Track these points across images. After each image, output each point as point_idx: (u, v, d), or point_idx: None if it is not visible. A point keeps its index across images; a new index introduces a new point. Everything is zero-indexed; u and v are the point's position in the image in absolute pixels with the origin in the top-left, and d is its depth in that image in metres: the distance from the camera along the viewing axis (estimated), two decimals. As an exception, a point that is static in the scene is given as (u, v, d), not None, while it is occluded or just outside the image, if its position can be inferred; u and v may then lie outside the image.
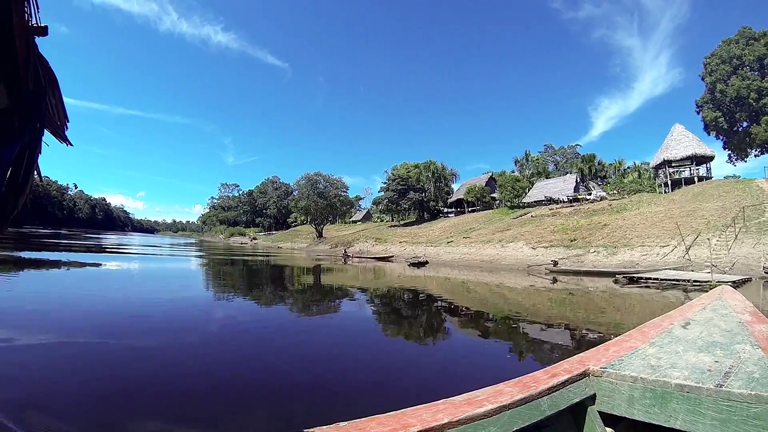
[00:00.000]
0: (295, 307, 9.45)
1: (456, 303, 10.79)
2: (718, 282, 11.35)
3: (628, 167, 47.99)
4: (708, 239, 18.29)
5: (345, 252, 36.65)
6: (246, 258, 29.91)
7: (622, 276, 15.03)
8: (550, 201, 39.32)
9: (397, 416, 1.26)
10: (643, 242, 20.47)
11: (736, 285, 11.53)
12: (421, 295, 12.15)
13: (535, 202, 41.11)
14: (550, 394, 1.46)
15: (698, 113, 32.20)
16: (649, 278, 13.98)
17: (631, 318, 8.25)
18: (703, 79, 31.00)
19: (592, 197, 35.89)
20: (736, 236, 17.90)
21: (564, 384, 1.53)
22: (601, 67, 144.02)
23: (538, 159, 58.53)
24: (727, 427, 1.34)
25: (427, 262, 26.19)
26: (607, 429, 1.53)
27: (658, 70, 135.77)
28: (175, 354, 4.74)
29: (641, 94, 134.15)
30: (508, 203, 41.82)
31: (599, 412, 1.56)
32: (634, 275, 14.65)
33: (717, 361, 1.67)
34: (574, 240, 23.59)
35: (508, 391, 1.43)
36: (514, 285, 14.97)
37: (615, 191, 36.71)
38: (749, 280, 13.46)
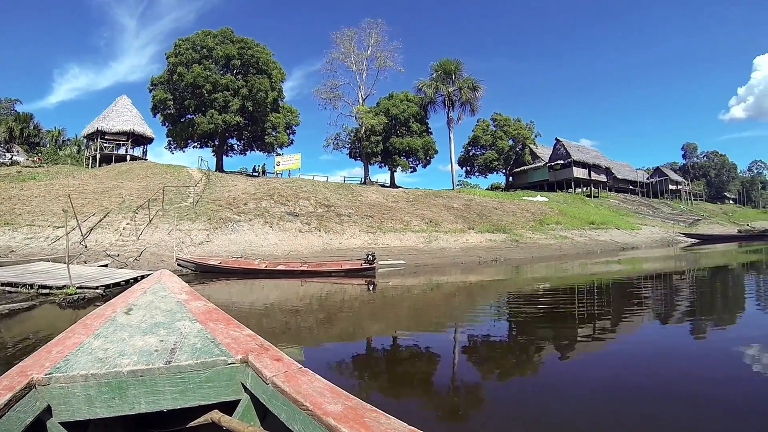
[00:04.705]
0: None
1: None
2: (79, 288, 7.94)
3: (68, 139, 41.98)
4: (119, 221, 15.41)
5: None
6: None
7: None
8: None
9: None
10: (34, 220, 15.16)
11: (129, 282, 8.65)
12: None
13: None
14: None
15: (150, 91, 30.33)
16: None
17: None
18: (167, 59, 29.65)
19: (2, 160, 29.68)
20: (151, 220, 15.87)
21: (9, 405, 1.24)
22: (85, 33, 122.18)
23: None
24: (187, 396, 1.41)
25: None
26: None
27: (140, 59, 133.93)
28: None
29: (115, 76, 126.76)
30: None
31: (61, 423, 1.38)
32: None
33: (162, 341, 1.68)
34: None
35: None
36: None
37: (37, 158, 31.48)
38: (148, 275, 11.33)
